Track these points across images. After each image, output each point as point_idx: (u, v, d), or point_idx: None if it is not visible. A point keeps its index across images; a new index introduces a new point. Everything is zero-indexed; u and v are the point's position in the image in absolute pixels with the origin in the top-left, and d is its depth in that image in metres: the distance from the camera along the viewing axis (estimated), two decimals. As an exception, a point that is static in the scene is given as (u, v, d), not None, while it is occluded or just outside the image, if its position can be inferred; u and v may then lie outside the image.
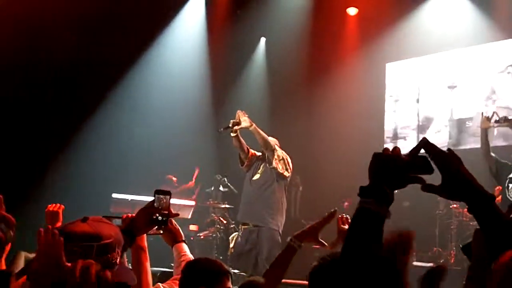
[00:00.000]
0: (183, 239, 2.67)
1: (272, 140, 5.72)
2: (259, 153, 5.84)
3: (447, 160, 1.22)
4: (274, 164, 5.59)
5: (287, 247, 2.39)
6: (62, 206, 3.07)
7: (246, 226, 5.78)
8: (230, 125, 5.57)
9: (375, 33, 9.09)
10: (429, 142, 1.23)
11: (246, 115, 5.56)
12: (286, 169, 5.67)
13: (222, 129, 5.79)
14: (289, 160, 5.74)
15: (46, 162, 7.73)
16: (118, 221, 2.39)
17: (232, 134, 5.62)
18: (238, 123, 5.54)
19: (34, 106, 7.72)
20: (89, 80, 8.04)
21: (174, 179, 8.66)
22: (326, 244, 2.54)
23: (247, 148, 5.83)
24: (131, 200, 7.01)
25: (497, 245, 1.14)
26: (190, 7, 9.41)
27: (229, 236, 6.66)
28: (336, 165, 8.85)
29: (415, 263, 7.35)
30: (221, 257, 6.92)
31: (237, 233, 6.03)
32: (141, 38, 8.74)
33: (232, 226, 8.10)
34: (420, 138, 1.25)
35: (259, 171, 5.78)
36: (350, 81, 9.34)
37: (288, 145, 9.27)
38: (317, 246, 2.62)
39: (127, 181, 7.68)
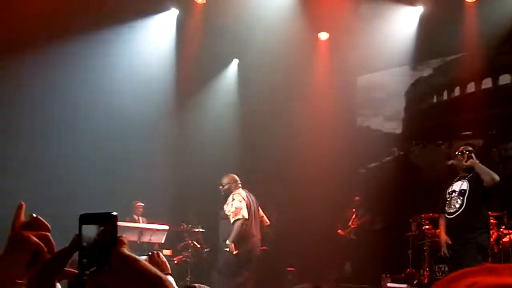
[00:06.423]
0: (169, 271, 2.67)
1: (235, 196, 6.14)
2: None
3: None
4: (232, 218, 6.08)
5: None
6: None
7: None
8: None
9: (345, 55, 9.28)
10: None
11: None
12: (236, 214, 6.07)
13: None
14: (236, 205, 6.10)
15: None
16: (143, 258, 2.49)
17: None
18: None
19: None
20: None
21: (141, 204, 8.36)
22: None
23: None
24: (133, 227, 7.19)
25: None
26: (161, 17, 9.29)
27: (202, 260, 7.10)
28: (312, 187, 8.92)
29: (389, 284, 7.43)
30: (195, 282, 6.85)
31: None
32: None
33: (206, 250, 8.03)
34: None
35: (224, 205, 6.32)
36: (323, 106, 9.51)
37: (260, 169, 9.30)
38: None
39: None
